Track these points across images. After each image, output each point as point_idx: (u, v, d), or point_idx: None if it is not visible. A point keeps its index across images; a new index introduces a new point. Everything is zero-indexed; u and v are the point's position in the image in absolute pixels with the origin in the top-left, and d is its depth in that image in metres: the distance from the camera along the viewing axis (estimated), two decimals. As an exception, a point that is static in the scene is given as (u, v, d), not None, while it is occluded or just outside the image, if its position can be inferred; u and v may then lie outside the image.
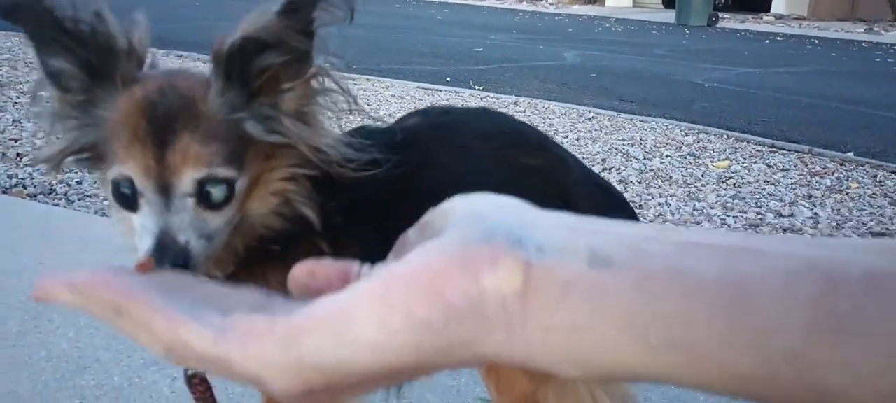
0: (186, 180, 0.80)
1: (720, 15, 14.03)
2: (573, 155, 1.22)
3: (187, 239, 0.80)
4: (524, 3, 18.42)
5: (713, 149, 4.12)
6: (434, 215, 0.40)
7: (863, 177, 3.63)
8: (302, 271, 0.43)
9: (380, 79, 5.82)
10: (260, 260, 0.93)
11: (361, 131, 1.10)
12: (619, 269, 0.34)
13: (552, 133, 4.32)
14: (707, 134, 4.50)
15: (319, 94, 0.91)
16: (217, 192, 0.82)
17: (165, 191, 0.80)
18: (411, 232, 0.41)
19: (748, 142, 4.32)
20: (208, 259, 0.84)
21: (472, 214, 0.38)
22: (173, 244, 0.79)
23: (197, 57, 6.24)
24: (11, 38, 6.72)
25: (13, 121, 3.82)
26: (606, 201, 1.16)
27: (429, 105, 1.27)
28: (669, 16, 14.70)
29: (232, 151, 0.83)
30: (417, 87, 5.58)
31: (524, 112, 4.88)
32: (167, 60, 6.03)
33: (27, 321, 1.75)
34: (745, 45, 10.69)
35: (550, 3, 18.36)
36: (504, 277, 0.34)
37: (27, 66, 5.34)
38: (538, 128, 4.14)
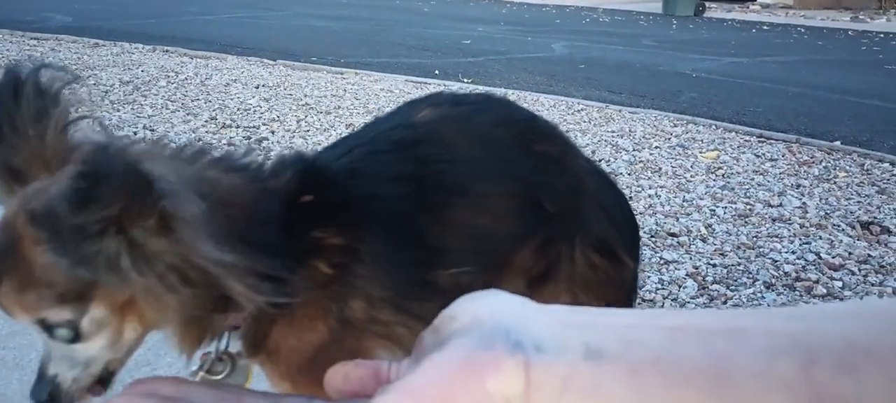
0: (24, 322, 0.75)
1: (707, 4, 14.07)
2: (573, 143, 1.24)
3: (57, 371, 0.79)
4: (512, -6, 18.39)
5: (702, 140, 4.13)
6: (442, 320, 0.42)
7: (850, 166, 3.66)
8: (336, 376, 0.46)
9: (368, 73, 5.80)
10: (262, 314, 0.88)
11: (370, 129, 1.10)
12: (612, 361, 0.37)
13: (542, 125, 4.33)
14: (695, 124, 4.51)
15: (174, 225, 0.71)
16: (61, 332, 0.75)
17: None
18: (426, 336, 0.43)
19: (736, 132, 4.34)
20: (88, 385, 0.81)
21: (473, 320, 0.40)
22: (43, 377, 0.79)
23: (183, 51, 6.21)
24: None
25: None
26: (610, 193, 1.18)
27: (436, 91, 1.30)
28: (657, 6, 14.72)
29: (66, 292, 0.72)
30: (406, 81, 5.56)
31: (513, 104, 4.87)
32: (153, 55, 5.99)
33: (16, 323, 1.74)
34: (733, 35, 10.73)
35: (538, -6, 18.33)
36: (507, 380, 0.37)
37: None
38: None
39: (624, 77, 6.52)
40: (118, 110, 4.13)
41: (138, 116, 4.02)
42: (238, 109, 4.35)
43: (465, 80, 5.76)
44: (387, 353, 1.00)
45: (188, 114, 4.15)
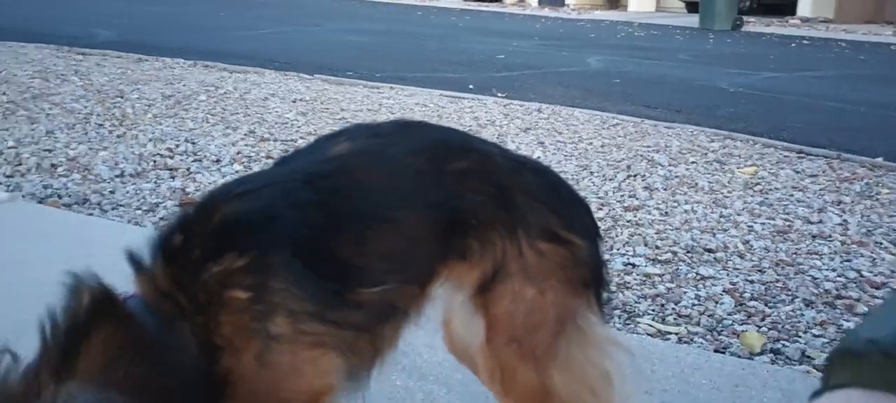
0: None
1: (745, 18, 13.90)
2: (496, 145, 1.28)
3: None
4: (546, 8, 18.38)
5: (739, 155, 4.09)
6: None
7: (893, 183, 3.58)
8: None
9: (403, 87, 5.85)
10: None
11: (286, 161, 1.17)
12: None
13: (576, 139, 4.32)
14: (733, 139, 4.46)
15: None
16: None
17: None
18: None
19: (775, 148, 4.28)
20: None
21: None
22: None
23: (223, 66, 6.33)
24: (42, 48, 6.86)
25: (47, 132, 3.90)
26: (541, 182, 1.21)
27: (352, 124, 1.40)
28: (693, 20, 14.59)
29: None
30: (441, 95, 5.60)
31: (548, 118, 4.88)
32: (194, 70, 6.12)
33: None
34: (771, 49, 10.59)
35: (572, 9, 18.31)
36: None
37: (58, 78, 5.45)
38: (554, 131, 4.10)
39: (660, 91, 6.48)
40: (160, 123, 4.23)
41: (180, 129, 4.12)
42: (276, 123, 4.42)
43: (499, 94, 5.78)
44: (326, 363, 1.04)
45: (228, 128, 4.24)
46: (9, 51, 6.65)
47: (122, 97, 4.92)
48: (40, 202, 2.88)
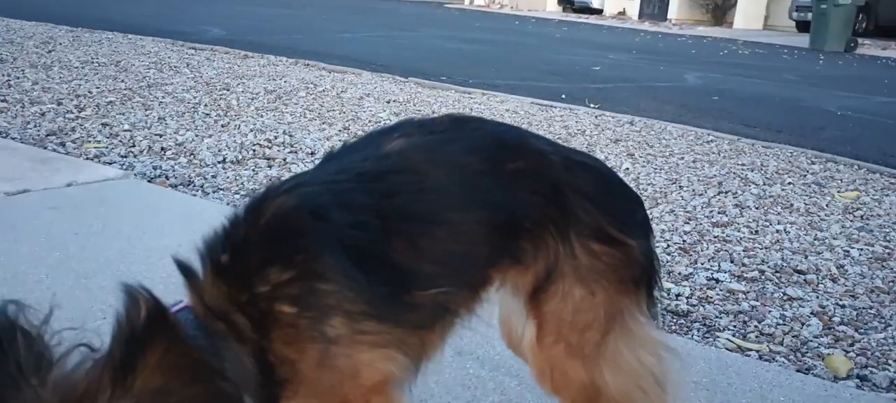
0: None
1: (860, 41, 13.22)
2: (550, 141, 1.24)
3: None
4: (646, 22, 18.06)
5: (841, 179, 3.91)
6: None
7: None
8: None
9: (495, 93, 5.91)
10: None
11: (339, 156, 1.15)
12: None
13: (667, 154, 4.25)
14: (835, 163, 4.27)
15: None
16: None
17: None
18: None
19: (881, 174, 4.07)
20: None
21: None
22: None
23: (322, 65, 6.56)
24: (159, 42, 7.32)
25: (158, 118, 4.17)
26: (594, 180, 1.19)
27: (404, 119, 1.29)
28: (802, 40, 13.99)
29: None
30: (531, 103, 5.62)
31: (639, 131, 4.81)
32: (296, 68, 6.38)
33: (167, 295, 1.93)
34: (886, 73, 10.03)
35: (674, 24, 17.89)
36: None
37: (172, 70, 5.80)
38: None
39: (760, 111, 6.26)
40: (262, 116, 4.44)
41: (279, 123, 4.31)
42: (369, 121, 4.56)
43: (592, 105, 5.74)
44: (387, 363, 1.03)
45: (324, 123, 4.40)
46: (129, 43, 7.13)
47: (227, 90, 5.19)
48: (150, 181, 3.09)
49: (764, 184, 3.70)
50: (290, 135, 4.02)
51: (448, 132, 1.15)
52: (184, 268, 1.00)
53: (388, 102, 5.24)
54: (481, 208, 1.11)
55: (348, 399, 1.02)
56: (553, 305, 1.14)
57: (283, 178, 1.29)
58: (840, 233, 3.04)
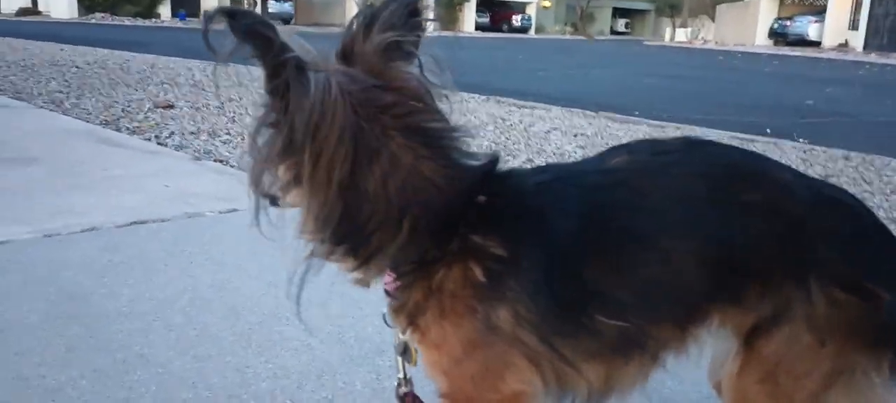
0: None
1: None
2: (798, 172, 1.10)
3: None
4: (873, 54, 16.40)
5: None
6: None
7: None
8: None
9: (690, 127, 5.63)
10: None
11: (571, 168, 1.13)
12: None
13: (888, 191, 3.78)
14: None
15: None
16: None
17: None
18: None
19: None
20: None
21: None
22: None
23: (512, 101, 6.66)
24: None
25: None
26: (848, 220, 1.04)
27: (635, 139, 1.19)
28: None
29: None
30: (730, 136, 5.28)
31: (856, 167, 4.34)
32: (487, 104, 6.53)
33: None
34: None
35: (907, 55, 16.07)
36: None
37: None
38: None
39: None
40: (449, 148, 4.59)
41: (465, 154, 4.43)
42: (553, 154, 4.54)
43: (800, 140, 5.28)
44: (530, 375, 1.00)
45: (508, 155, 4.45)
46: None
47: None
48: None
49: None
50: (475, 166, 4.11)
51: (679, 154, 1.08)
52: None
53: (575, 135, 5.19)
54: (700, 239, 1.01)
55: (478, 395, 1.02)
56: (772, 348, 1.02)
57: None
58: None
